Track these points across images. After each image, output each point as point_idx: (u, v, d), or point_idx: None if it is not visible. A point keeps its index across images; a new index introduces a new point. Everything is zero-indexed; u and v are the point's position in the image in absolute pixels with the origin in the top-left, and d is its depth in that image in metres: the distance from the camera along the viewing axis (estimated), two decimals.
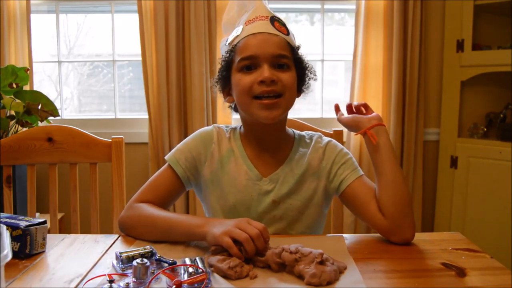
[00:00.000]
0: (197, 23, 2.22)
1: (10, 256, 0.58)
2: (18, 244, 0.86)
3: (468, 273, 0.81)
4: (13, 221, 0.88)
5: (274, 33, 1.00)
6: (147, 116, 2.31)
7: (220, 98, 1.32)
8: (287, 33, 1.04)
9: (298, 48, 1.05)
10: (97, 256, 0.88)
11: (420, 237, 0.98)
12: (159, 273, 0.75)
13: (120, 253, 0.80)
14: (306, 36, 2.57)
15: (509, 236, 2.06)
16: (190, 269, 0.73)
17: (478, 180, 2.20)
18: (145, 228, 0.97)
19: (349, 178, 1.04)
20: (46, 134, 1.33)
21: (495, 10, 2.25)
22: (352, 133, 2.24)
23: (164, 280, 0.75)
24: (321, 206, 1.08)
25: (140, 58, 2.28)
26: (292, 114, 1.12)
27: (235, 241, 0.81)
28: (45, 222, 0.89)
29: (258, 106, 0.98)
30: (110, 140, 1.32)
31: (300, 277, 0.77)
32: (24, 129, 2.04)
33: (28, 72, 2.07)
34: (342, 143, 1.19)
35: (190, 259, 0.77)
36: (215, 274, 0.77)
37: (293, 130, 1.14)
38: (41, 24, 2.48)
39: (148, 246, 0.83)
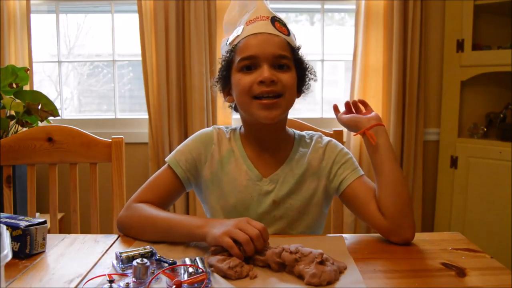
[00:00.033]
0: (197, 23, 2.22)
1: (10, 256, 0.58)
2: (18, 244, 0.86)
3: (468, 273, 0.81)
4: (13, 221, 0.88)
5: (275, 34, 1.00)
6: (147, 116, 2.31)
7: (220, 98, 1.32)
8: (288, 33, 1.04)
9: (299, 48, 1.05)
10: (97, 256, 0.88)
11: (420, 237, 0.98)
12: (159, 273, 0.75)
13: (120, 253, 0.80)
14: (306, 36, 2.57)
15: (509, 236, 2.06)
16: (190, 269, 0.73)
17: (478, 180, 2.20)
18: (144, 229, 0.96)
19: (349, 178, 1.04)
20: (46, 134, 1.33)
21: (495, 10, 2.25)
22: (352, 133, 2.24)
23: (164, 280, 0.75)
24: (321, 206, 1.08)
25: (140, 58, 2.28)
26: (292, 114, 1.12)
27: (235, 241, 0.81)
28: (45, 222, 0.89)
29: (257, 106, 0.99)
30: (110, 140, 1.32)
31: (300, 277, 0.77)
32: (24, 129, 2.04)
33: (28, 72, 2.07)
34: (342, 143, 1.19)
35: (190, 259, 0.77)
36: (215, 274, 0.77)
37: (293, 130, 1.14)
38: (41, 24, 2.48)
39: (148, 246, 0.83)
